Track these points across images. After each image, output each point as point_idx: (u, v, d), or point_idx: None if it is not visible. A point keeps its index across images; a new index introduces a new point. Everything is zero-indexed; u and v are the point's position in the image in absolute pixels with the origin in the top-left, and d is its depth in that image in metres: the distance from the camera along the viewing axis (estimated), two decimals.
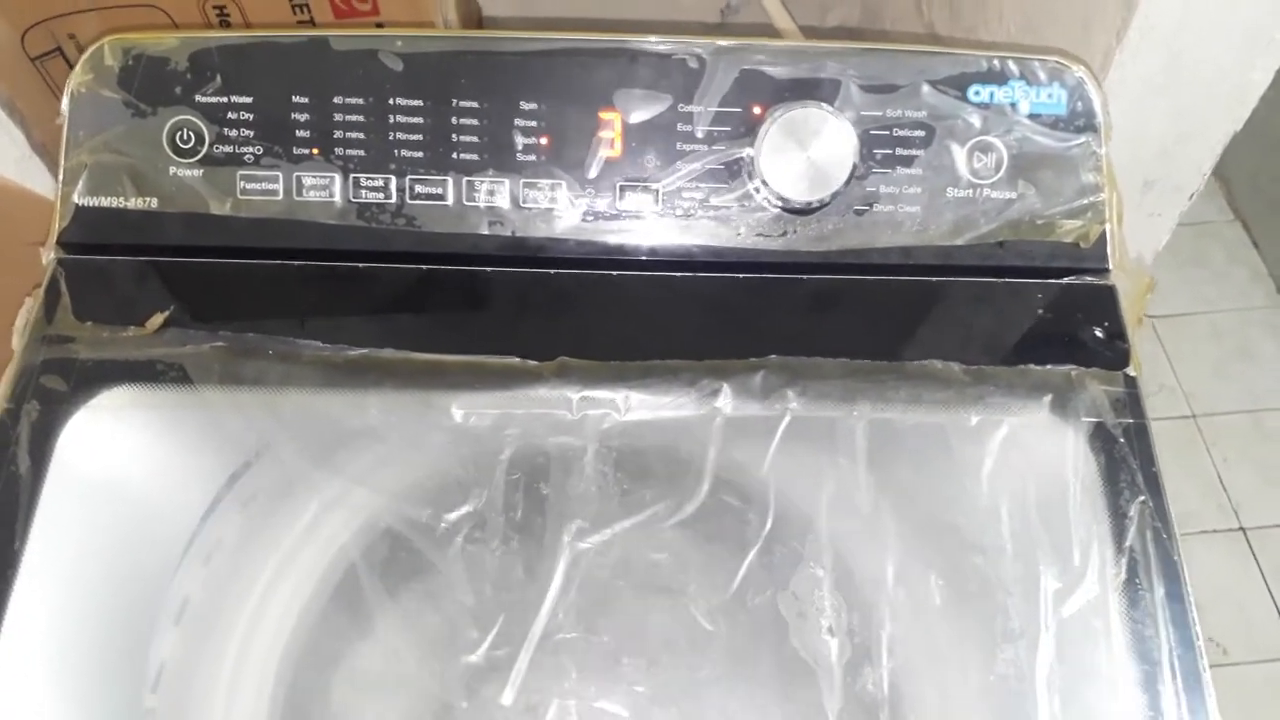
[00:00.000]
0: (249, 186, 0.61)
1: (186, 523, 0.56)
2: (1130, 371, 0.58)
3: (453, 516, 0.54)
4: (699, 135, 0.61)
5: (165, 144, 0.60)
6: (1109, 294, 0.61)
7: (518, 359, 0.58)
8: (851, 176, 0.59)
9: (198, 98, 0.60)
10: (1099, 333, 0.59)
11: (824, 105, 0.59)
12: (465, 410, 0.56)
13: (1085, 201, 0.61)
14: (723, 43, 0.60)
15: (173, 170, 0.61)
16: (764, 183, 0.59)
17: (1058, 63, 0.60)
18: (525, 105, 0.60)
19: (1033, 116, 0.61)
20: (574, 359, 0.58)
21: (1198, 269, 1.69)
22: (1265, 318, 1.65)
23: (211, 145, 0.60)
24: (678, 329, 0.60)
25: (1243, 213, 1.78)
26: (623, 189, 0.61)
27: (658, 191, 0.61)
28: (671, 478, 0.55)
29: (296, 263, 0.61)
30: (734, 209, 0.61)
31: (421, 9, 0.87)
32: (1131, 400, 0.57)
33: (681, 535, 0.55)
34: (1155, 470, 0.55)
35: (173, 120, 0.60)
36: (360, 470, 0.56)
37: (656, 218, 0.61)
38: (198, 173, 0.61)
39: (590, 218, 0.61)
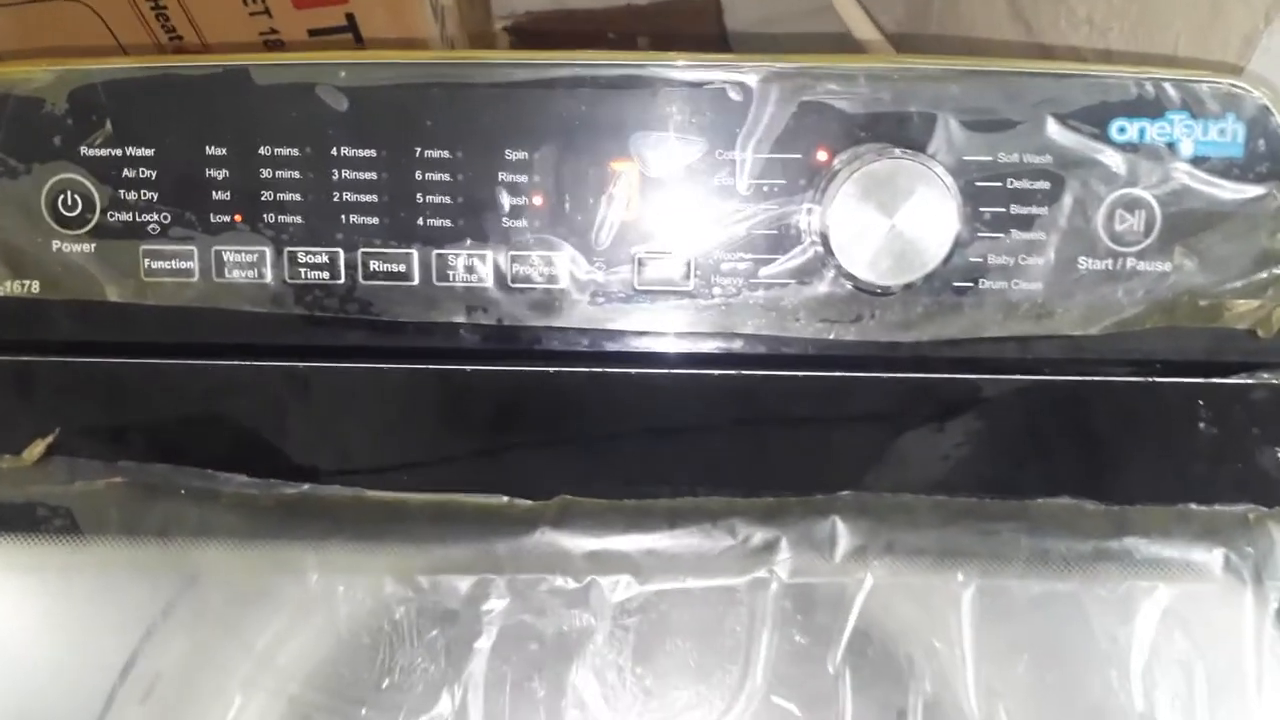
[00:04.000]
0: (155, 265, 0.46)
1: None
2: None
3: None
4: (743, 190, 0.45)
5: (45, 211, 0.46)
6: None
7: (505, 497, 0.44)
8: (952, 254, 0.44)
9: (83, 150, 0.46)
10: None
11: (918, 156, 0.43)
12: (432, 576, 0.43)
13: (1266, 274, 0.45)
14: (776, 66, 0.45)
15: (56, 245, 0.46)
16: (831, 259, 0.44)
17: (1233, 85, 0.44)
18: (512, 154, 0.45)
19: (1197, 160, 0.45)
20: (579, 497, 0.44)
21: None
22: None
23: (104, 212, 0.46)
24: (717, 451, 0.46)
25: None
26: (642, 261, 0.46)
27: (689, 264, 0.46)
28: (710, 671, 0.41)
29: (218, 363, 0.47)
30: (790, 286, 0.46)
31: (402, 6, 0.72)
32: None
33: None
34: None
35: (53, 180, 0.46)
36: (295, 660, 0.42)
37: (687, 299, 0.46)
38: (88, 247, 0.46)
39: (600, 299, 0.46)
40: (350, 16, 0.72)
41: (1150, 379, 0.46)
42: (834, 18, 1.24)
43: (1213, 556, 0.42)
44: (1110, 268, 0.45)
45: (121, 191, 0.46)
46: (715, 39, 1.26)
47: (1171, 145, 0.45)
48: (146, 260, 0.46)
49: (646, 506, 0.44)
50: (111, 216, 0.46)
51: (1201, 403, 0.45)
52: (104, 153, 0.46)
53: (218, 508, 0.44)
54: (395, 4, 0.72)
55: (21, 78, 0.46)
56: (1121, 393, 0.46)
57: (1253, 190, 0.45)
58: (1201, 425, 0.45)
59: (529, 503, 0.44)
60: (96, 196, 0.46)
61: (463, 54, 0.45)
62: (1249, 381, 0.45)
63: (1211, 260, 0.45)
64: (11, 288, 0.47)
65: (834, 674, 0.41)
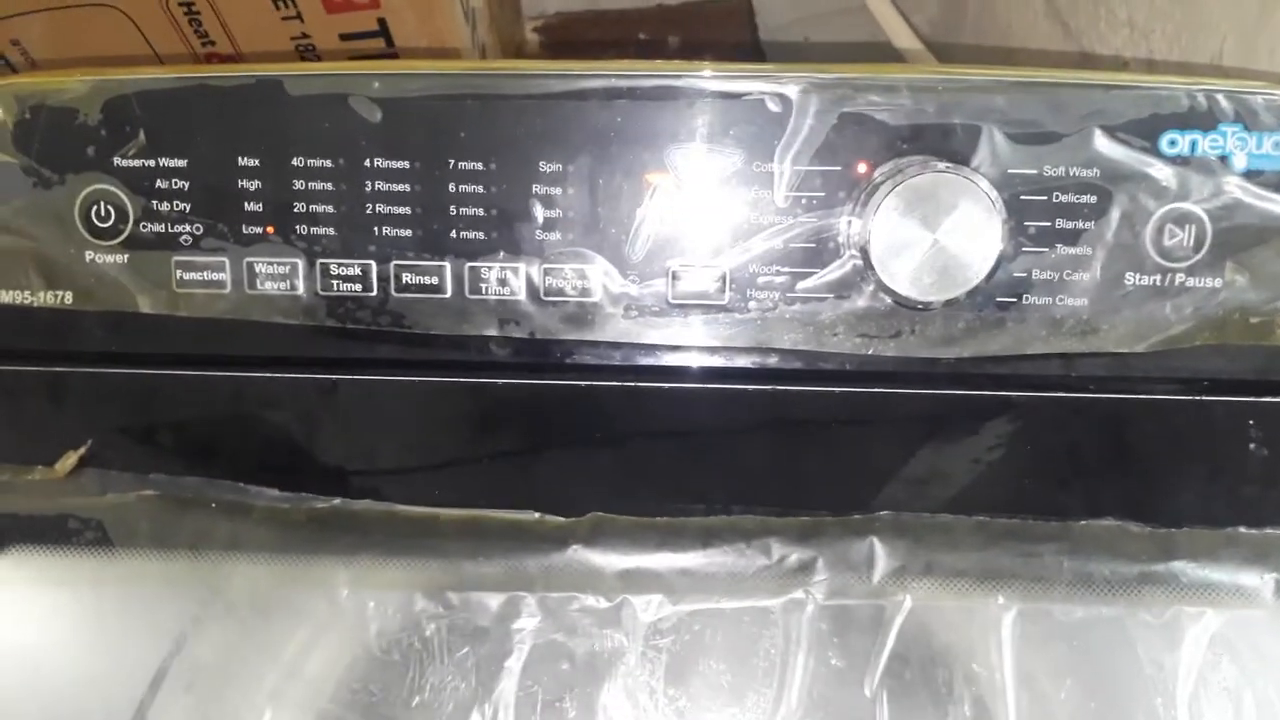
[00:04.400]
0: (187, 276, 0.46)
1: None
2: None
3: None
4: (781, 203, 0.44)
5: (79, 221, 0.46)
6: None
7: (536, 514, 0.44)
8: (996, 269, 0.43)
9: (117, 161, 0.46)
10: None
11: (961, 169, 0.42)
12: (463, 592, 0.42)
13: None
14: (816, 76, 0.44)
15: (90, 256, 0.46)
16: (871, 274, 0.43)
17: None
18: (546, 166, 0.45)
19: (1250, 174, 0.43)
20: (611, 514, 0.44)
21: None
22: None
23: (137, 223, 0.46)
24: (752, 469, 0.45)
25: None
26: (676, 275, 0.45)
27: (725, 277, 0.45)
28: (744, 693, 0.41)
29: (250, 374, 0.46)
30: (828, 301, 0.45)
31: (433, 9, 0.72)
32: None
33: None
34: None
35: (86, 190, 0.46)
36: (324, 674, 0.42)
37: (722, 313, 0.45)
38: (121, 258, 0.46)
39: (634, 313, 0.45)
40: (382, 21, 0.71)
41: (1199, 398, 0.44)
42: (867, 19, 1.23)
43: (1263, 582, 0.41)
44: (1158, 284, 0.44)
45: (154, 202, 0.46)
46: (746, 42, 1.25)
47: (1224, 158, 0.43)
48: (179, 271, 0.46)
49: (680, 525, 0.43)
50: (144, 227, 0.46)
51: (1252, 423, 0.44)
52: (137, 163, 0.46)
53: (249, 521, 0.44)
54: (426, 9, 0.72)
55: (55, 88, 0.46)
56: (1169, 412, 0.44)
57: None
58: (1252, 446, 0.44)
59: (561, 519, 0.44)
60: (130, 207, 0.46)
61: (496, 64, 0.44)
62: None
63: (1263, 277, 0.44)
64: (45, 298, 0.47)
65: (871, 698, 0.40)
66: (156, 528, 0.44)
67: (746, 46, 1.25)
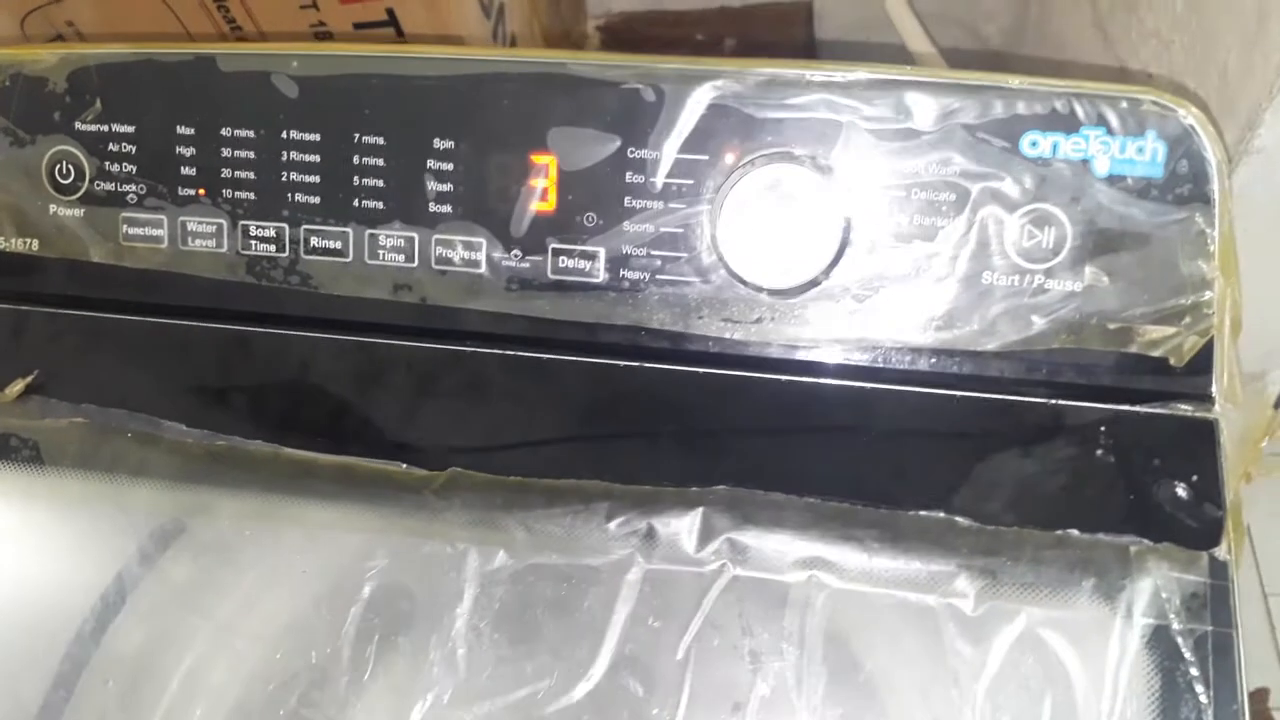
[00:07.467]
0: (132, 231, 0.52)
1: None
2: (1221, 554, 0.41)
3: (291, 667, 0.44)
4: (654, 188, 0.47)
5: (44, 178, 0.52)
6: (1206, 434, 0.43)
7: (404, 465, 0.47)
8: (837, 260, 0.44)
9: (77, 125, 0.52)
10: (1181, 490, 0.42)
11: (803, 160, 0.44)
12: (331, 529, 0.46)
13: (1183, 301, 0.43)
14: (686, 68, 0.46)
15: (53, 209, 0.52)
16: (723, 261, 0.45)
17: (1155, 103, 0.43)
18: (440, 143, 0.48)
19: (1113, 179, 0.43)
20: (469, 471, 0.47)
21: None
22: None
23: (92, 181, 0.52)
24: (607, 437, 0.48)
25: None
26: (556, 252, 0.48)
27: (599, 256, 0.48)
28: (563, 646, 0.43)
29: (177, 322, 0.51)
30: (695, 284, 0.47)
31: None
32: (1217, 597, 0.40)
33: None
34: (1236, 709, 0.39)
35: (52, 150, 0.52)
36: (190, 589, 0.47)
37: (598, 290, 0.48)
38: (78, 212, 0.52)
39: (515, 285, 0.48)
40: (390, 11, 0.76)
41: (1050, 401, 0.44)
42: (929, 26, 1.21)
43: (1082, 587, 0.41)
44: (1016, 284, 0.44)
45: (107, 164, 0.51)
46: (802, 44, 1.26)
47: (1086, 161, 0.43)
48: (125, 226, 0.52)
49: (528, 485, 0.46)
50: (98, 185, 0.52)
51: (1102, 429, 0.44)
52: (94, 128, 0.51)
53: (157, 451, 0.49)
54: (433, 1, 0.76)
55: (30, 59, 0.52)
56: (1017, 411, 0.45)
57: (1172, 214, 0.43)
58: (1099, 452, 0.43)
59: (423, 472, 0.47)
60: (86, 167, 0.52)
61: (401, 48, 0.48)
62: (1155, 412, 0.44)
63: (1125, 283, 0.44)
64: (15, 244, 0.53)
65: (681, 660, 0.42)
66: (81, 451, 0.49)
67: (801, 49, 1.26)
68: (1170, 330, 0.43)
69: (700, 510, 0.44)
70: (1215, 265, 0.43)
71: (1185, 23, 0.79)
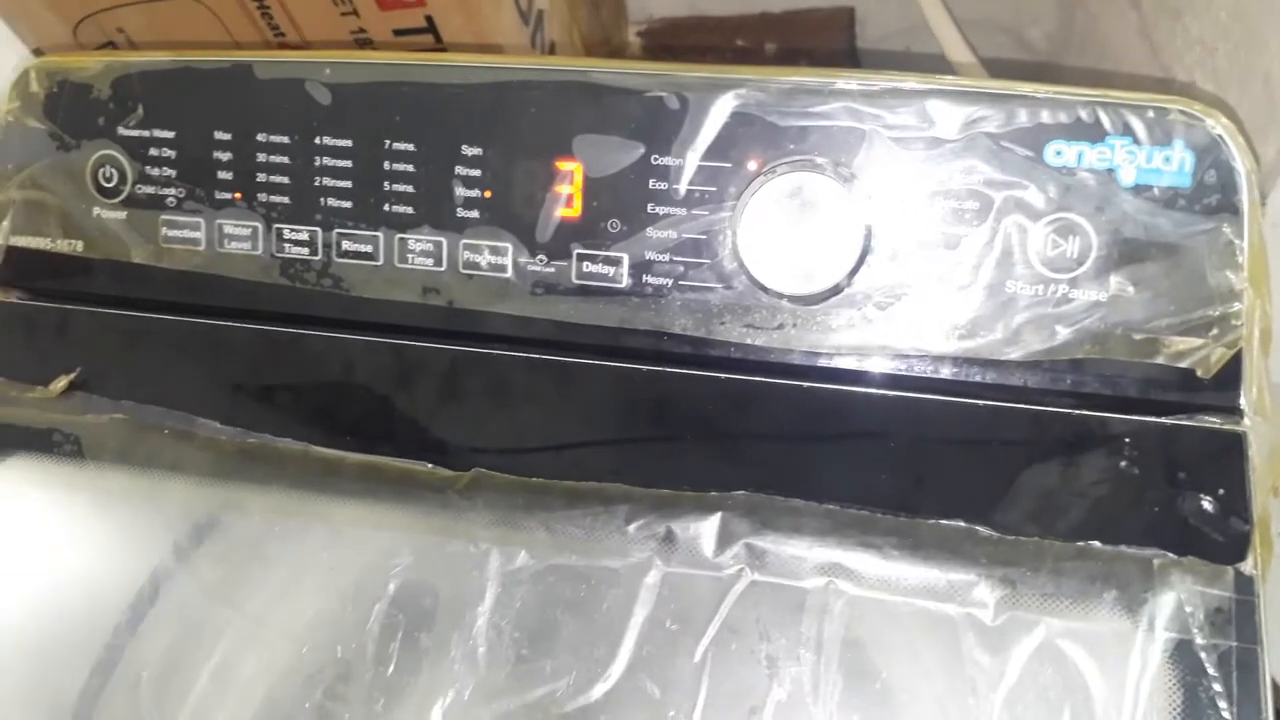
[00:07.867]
0: (171, 234, 0.53)
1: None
2: (1247, 568, 0.40)
3: (317, 661, 0.45)
4: (678, 195, 0.47)
5: (89, 181, 0.54)
6: (1234, 447, 0.42)
7: (429, 465, 0.48)
8: (858, 268, 0.44)
9: (120, 130, 0.53)
10: (1207, 503, 0.42)
11: (825, 167, 0.44)
12: (357, 526, 0.47)
13: (1211, 312, 0.43)
14: (710, 76, 0.46)
15: (96, 211, 0.54)
16: (745, 267, 0.45)
17: (1182, 113, 0.42)
18: (468, 150, 0.49)
19: (1139, 189, 0.43)
20: (493, 471, 0.47)
21: None
22: None
23: (134, 185, 0.53)
24: (628, 441, 0.48)
25: None
26: (581, 257, 0.49)
27: (623, 262, 0.48)
28: (581, 646, 0.44)
29: (213, 323, 0.53)
30: (717, 290, 0.47)
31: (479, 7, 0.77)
32: (1242, 612, 0.40)
33: None
34: None
35: (96, 155, 0.54)
36: (221, 583, 0.48)
37: (622, 295, 0.48)
38: (121, 215, 0.54)
39: (540, 290, 0.49)
40: (429, 19, 0.77)
41: (1075, 411, 0.44)
42: (971, 32, 1.21)
43: (1104, 600, 0.41)
44: (1039, 293, 0.44)
45: (148, 168, 0.53)
46: (844, 51, 1.25)
47: (1112, 171, 0.43)
48: (164, 229, 0.53)
49: (550, 486, 0.46)
50: (139, 189, 0.53)
51: (1127, 441, 0.43)
52: (136, 133, 0.53)
53: (190, 448, 0.50)
54: (471, 9, 0.77)
55: (76, 66, 0.53)
56: (1039, 421, 0.44)
57: (1200, 224, 0.43)
58: (1123, 464, 0.43)
59: (448, 472, 0.48)
60: (128, 171, 0.53)
61: (432, 57, 0.49)
62: (1181, 424, 0.43)
63: (1151, 293, 0.43)
64: (61, 245, 0.55)
65: (698, 663, 0.42)
66: (120, 446, 0.51)
67: (842, 56, 1.25)
68: (1197, 341, 0.43)
69: (719, 515, 0.44)
70: (1244, 276, 0.42)
71: (1229, 30, 0.78)
